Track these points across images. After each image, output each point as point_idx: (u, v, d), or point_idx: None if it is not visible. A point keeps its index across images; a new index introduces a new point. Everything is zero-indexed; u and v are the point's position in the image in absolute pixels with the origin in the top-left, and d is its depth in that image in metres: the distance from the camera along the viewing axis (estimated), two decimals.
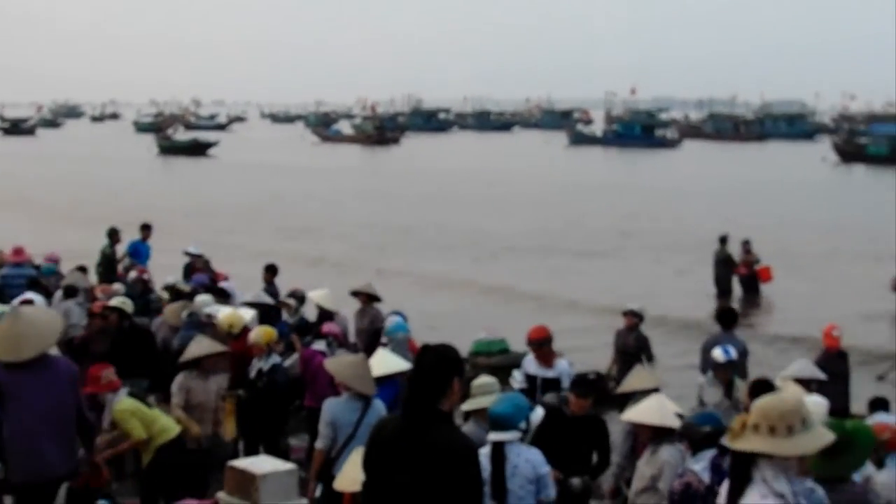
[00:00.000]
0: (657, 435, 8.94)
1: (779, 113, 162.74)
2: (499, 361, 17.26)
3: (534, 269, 32.44)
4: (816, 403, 8.82)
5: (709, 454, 8.12)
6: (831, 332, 13.96)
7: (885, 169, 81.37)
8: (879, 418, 10.10)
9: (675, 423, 8.87)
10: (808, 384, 11.08)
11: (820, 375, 11.75)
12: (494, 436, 8.09)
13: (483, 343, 18.42)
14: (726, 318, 14.10)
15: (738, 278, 27.33)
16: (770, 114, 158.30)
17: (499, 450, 8.05)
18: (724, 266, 26.94)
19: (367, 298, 15.87)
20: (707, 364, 13.08)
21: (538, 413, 9.78)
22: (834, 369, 12.98)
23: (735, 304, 25.78)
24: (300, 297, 16.26)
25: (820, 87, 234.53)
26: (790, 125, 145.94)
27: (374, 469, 5.92)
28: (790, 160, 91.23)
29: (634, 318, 15.60)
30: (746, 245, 27.59)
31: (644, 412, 9.08)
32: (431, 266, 32.35)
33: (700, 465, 8.09)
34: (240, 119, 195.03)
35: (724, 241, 27.08)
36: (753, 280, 27.29)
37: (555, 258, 34.70)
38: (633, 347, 15.37)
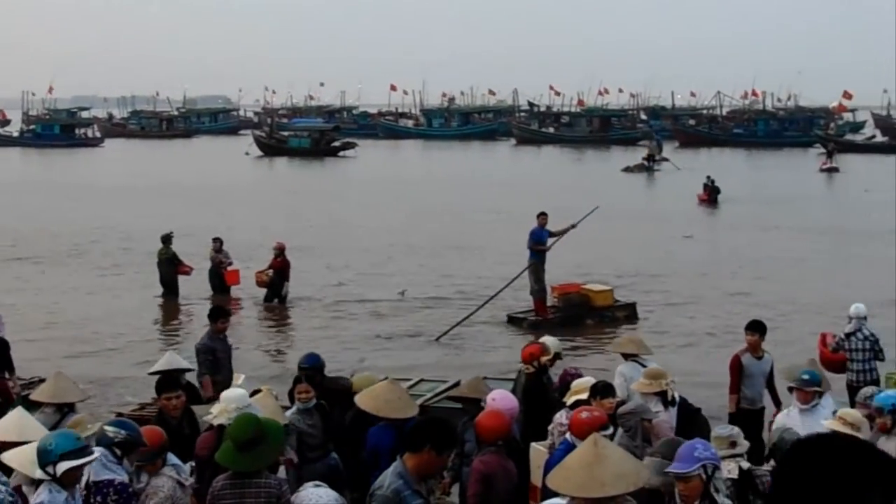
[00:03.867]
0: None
1: (203, 109, 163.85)
2: None
3: None
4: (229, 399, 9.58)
5: None
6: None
7: (308, 161, 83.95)
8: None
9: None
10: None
11: (184, 365, 12.60)
12: None
13: None
14: (214, 315, 14.85)
15: (210, 277, 27.07)
16: (194, 109, 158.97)
17: None
18: (167, 265, 26.77)
19: None
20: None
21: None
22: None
23: (182, 301, 26.62)
24: None
25: (242, 82, 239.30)
26: (215, 121, 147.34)
27: None
28: (216, 155, 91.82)
29: None
30: (217, 243, 27.25)
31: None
32: None
33: None
34: None
35: (166, 240, 26.90)
36: (222, 279, 26.97)
37: None
38: None
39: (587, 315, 23.62)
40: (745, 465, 8.97)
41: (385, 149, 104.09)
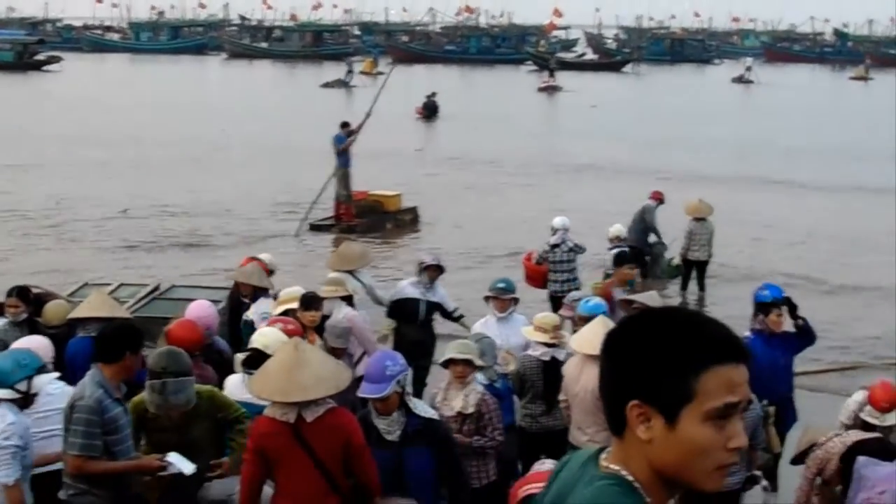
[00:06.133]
0: None
1: None
2: None
3: None
4: None
5: None
6: None
7: (10, 75, 79.95)
8: None
9: None
10: None
11: None
12: None
13: None
14: None
15: None
16: None
17: None
18: None
19: None
20: None
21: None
22: None
23: None
24: None
25: None
26: None
27: None
28: None
29: None
30: None
31: None
32: None
33: None
34: None
35: None
36: None
37: None
38: None
39: (385, 220, 24.98)
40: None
41: (91, 63, 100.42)
